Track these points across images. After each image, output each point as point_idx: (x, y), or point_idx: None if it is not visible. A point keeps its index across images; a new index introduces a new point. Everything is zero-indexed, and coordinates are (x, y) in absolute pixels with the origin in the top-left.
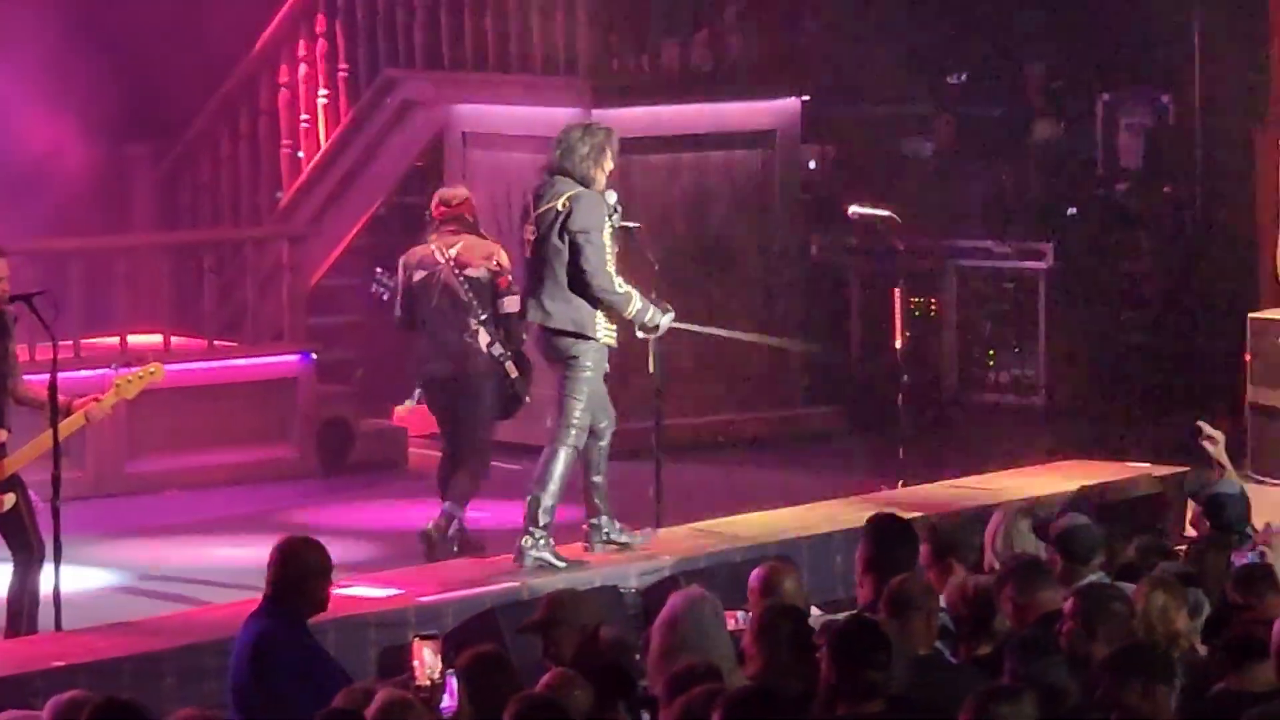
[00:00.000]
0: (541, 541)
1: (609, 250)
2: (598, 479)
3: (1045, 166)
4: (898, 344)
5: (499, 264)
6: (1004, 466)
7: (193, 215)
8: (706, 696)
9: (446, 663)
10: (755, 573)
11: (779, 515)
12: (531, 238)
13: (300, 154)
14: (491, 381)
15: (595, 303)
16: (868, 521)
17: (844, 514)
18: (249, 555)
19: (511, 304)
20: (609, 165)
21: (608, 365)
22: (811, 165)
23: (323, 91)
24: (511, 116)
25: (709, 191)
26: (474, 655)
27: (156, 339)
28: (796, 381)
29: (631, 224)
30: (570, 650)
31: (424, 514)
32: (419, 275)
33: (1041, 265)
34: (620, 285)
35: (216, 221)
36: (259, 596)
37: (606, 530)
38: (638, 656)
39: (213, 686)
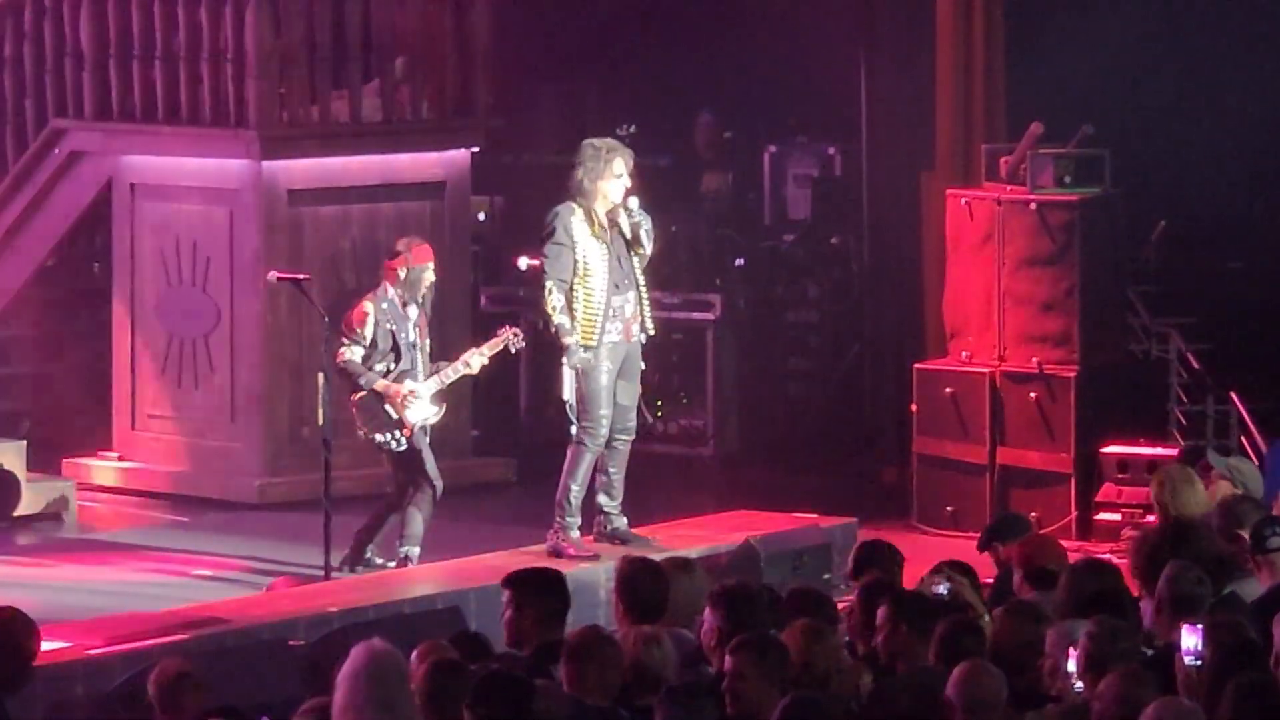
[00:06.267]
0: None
1: (570, 259)
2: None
3: (714, 218)
4: (566, 395)
5: None
6: (672, 518)
7: None
8: None
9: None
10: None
11: (448, 566)
12: None
13: None
14: None
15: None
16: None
17: (512, 565)
18: None
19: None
20: (608, 177)
21: (608, 364)
22: (481, 217)
23: None
24: (180, 168)
25: (379, 243)
26: None
27: None
28: (467, 432)
29: (300, 275)
30: None
31: (88, 570)
32: None
33: (710, 316)
34: (557, 299)
35: None
36: None
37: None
38: None
39: None
